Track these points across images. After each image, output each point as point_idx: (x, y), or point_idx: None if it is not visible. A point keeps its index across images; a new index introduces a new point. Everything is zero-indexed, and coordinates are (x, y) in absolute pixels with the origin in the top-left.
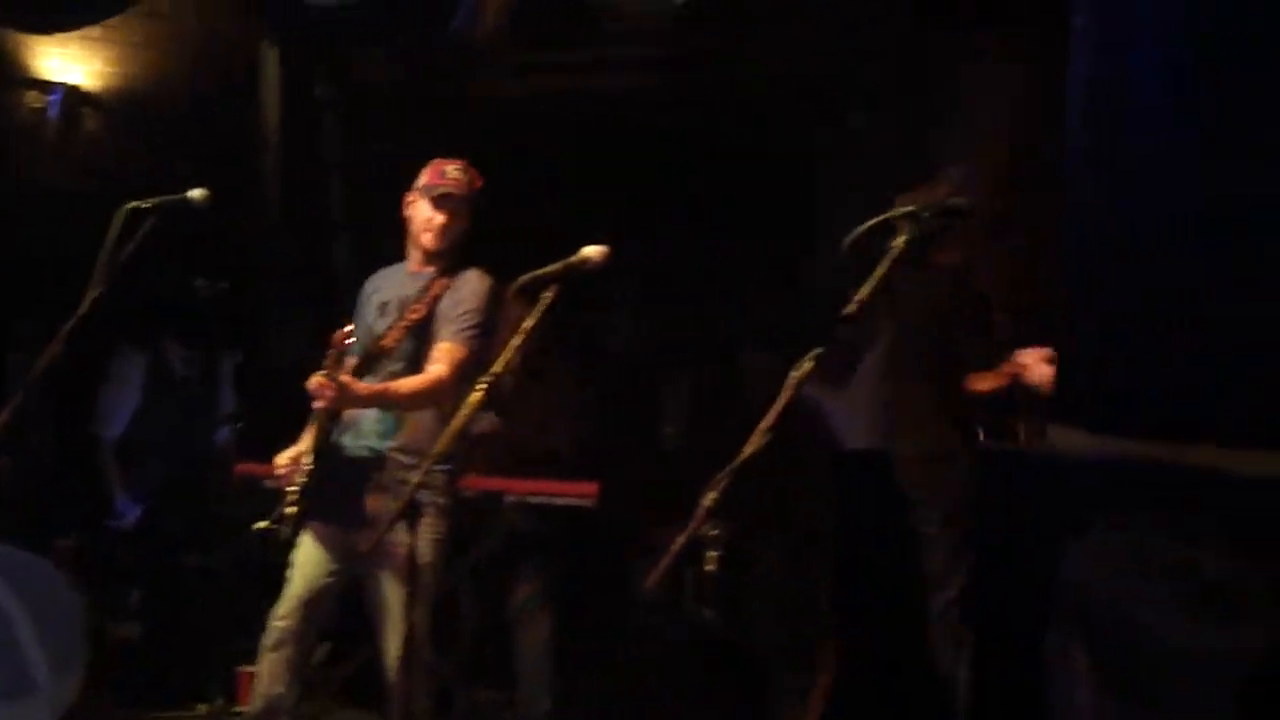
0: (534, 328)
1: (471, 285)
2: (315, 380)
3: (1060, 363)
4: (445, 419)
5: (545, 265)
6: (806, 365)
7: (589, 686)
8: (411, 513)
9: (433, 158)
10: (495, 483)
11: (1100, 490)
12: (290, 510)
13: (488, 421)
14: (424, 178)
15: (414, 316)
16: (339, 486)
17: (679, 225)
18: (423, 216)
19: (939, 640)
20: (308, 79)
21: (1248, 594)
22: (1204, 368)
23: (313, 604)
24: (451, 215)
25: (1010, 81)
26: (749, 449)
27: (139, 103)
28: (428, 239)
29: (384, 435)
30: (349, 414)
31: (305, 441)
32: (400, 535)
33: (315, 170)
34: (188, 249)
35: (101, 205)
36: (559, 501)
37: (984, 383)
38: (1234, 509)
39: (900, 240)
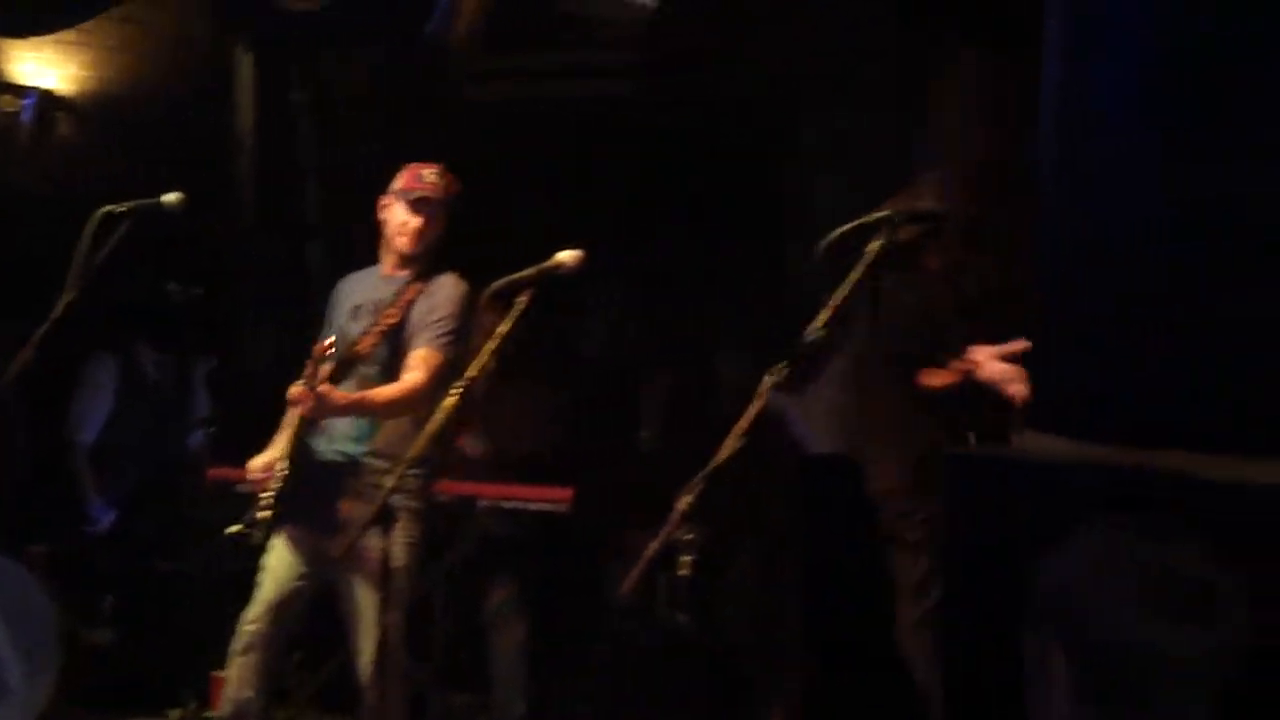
0: (508, 332)
1: (446, 290)
2: (294, 389)
3: (1033, 368)
4: (419, 423)
5: (520, 270)
6: (780, 371)
7: (564, 691)
8: (386, 517)
9: (407, 162)
10: (469, 487)
11: (1075, 495)
12: (262, 514)
13: (480, 445)
14: (400, 181)
15: (389, 321)
16: (312, 490)
17: (654, 229)
18: (398, 220)
19: (918, 648)
20: (282, 83)
21: (1224, 597)
22: (1176, 372)
23: (283, 608)
24: (427, 219)
25: (987, 88)
26: (723, 454)
27: (113, 107)
28: (403, 242)
29: (357, 439)
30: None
31: (277, 447)
32: (374, 539)
33: (290, 174)
34: (161, 253)
35: (75, 209)
36: (533, 506)
37: (934, 379)
38: (1209, 513)
39: (875, 245)
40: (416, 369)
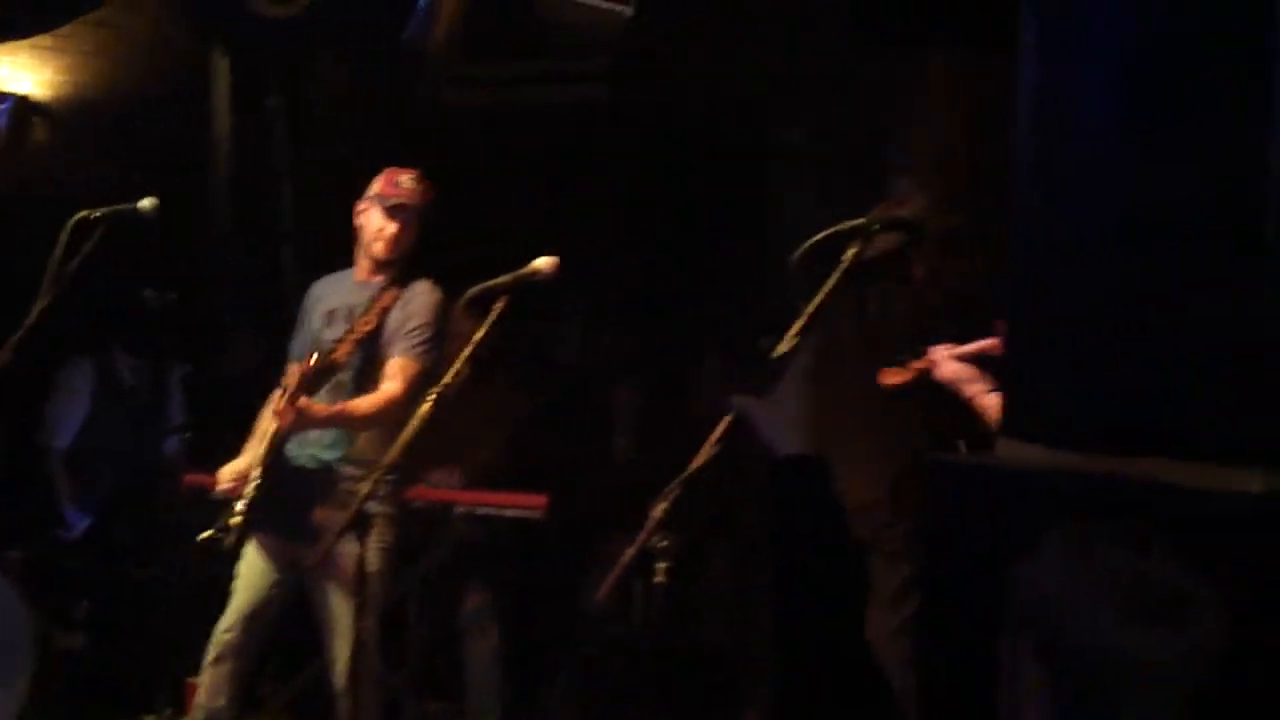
0: (484, 338)
1: (422, 298)
2: (275, 404)
3: (1007, 375)
4: (393, 429)
5: (496, 276)
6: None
7: (539, 697)
8: (361, 523)
9: (382, 168)
10: (444, 494)
11: (1048, 502)
12: (234, 520)
13: (451, 477)
14: (376, 186)
15: (365, 329)
16: (284, 497)
17: (630, 236)
18: (374, 226)
19: (895, 655)
20: (258, 89)
21: (1197, 602)
22: (1150, 377)
23: (257, 616)
24: (403, 225)
25: (961, 93)
26: (698, 461)
27: (89, 112)
28: (379, 248)
29: (331, 445)
30: None
31: (249, 454)
32: (348, 545)
33: (265, 179)
34: (137, 258)
35: (51, 214)
36: (509, 513)
37: (892, 377)
38: (1182, 519)
39: (850, 253)
40: (394, 379)
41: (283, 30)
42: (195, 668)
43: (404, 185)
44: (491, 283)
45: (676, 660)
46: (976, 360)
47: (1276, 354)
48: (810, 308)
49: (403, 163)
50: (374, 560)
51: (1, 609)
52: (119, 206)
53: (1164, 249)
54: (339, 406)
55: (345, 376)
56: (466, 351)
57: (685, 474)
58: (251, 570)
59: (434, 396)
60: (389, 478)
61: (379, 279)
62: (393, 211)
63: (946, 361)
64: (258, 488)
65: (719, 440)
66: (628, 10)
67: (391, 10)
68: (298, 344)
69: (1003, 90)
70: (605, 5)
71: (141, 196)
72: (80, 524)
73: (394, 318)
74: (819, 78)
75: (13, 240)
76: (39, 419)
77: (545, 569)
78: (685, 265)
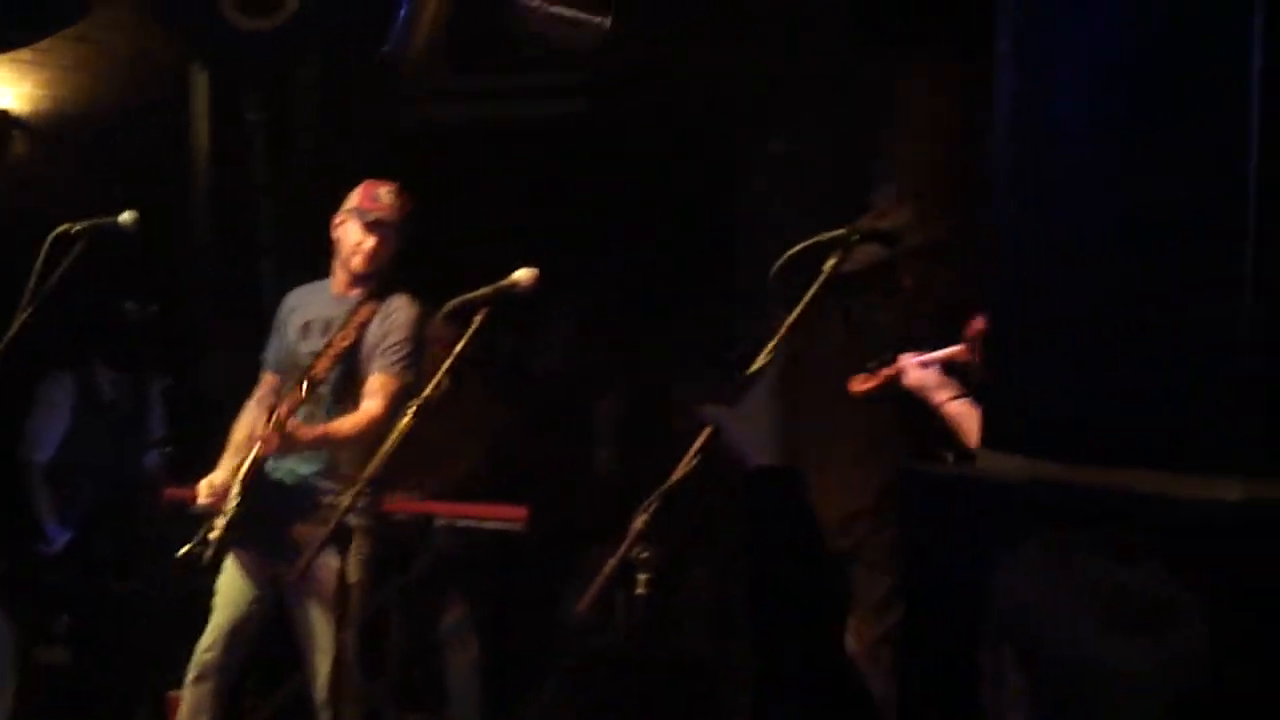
0: (463, 351)
1: (400, 313)
2: (260, 431)
3: (987, 385)
4: (371, 443)
5: (475, 288)
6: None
7: (519, 709)
8: (342, 536)
9: (361, 180)
10: (424, 505)
11: (1028, 512)
12: (212, 535)
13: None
14: (355, 199)
15: (343, 343)
16: (262, 512)
17: (609, 248)
18: (353, 240)
19: (877, 665)
20: (237, 102)
21: (1178, 611)
22: (1130, 388)
23: (237, 634)
24: (381, 240)
25: (943, 104)
26: (679, 473)
27: (69, 126)
28: (357, 262)
29: (307, 459)
30: None
31: (225, 468)
32: (328, 558)
33: (244, 193)
34: (117, 272)
35: (31, 228)
36: (489, 524)
37: (860, 385)
38: (1162, 528)
39: (829, 264)
40: (374, 397)
41: (262, 44)
42: (176, 682)
43: (382, 199)
44: (471, 295)
45: (658, 670)
46: (944, 367)
47: (1254, 362)
48: (789, 320)
49: (382, 175)
50: (352, 571)
51: None
52: (99, 220)
53: (1143, 259)
54: (322, 429)
55: (324, 389)
56: (446, 364)
57: (666, 485)
58: (230, 588)
59: (414, 409)
60: (367, 490)
61: (356, 293)
62: (371, 226)
63: (914, 369)
64: (238, 506)
65: (699, 451)
66: (606, 23)
67: (371, 24)
68: (271, 353)
69: (986, 99)
70: (584, 18)
71: (121, 210)
72: (61, 538)
73: (372, 333)
74: (800, 90)
75: None
76: (19, 433)
77: (526, 581)
78: (666, 277)
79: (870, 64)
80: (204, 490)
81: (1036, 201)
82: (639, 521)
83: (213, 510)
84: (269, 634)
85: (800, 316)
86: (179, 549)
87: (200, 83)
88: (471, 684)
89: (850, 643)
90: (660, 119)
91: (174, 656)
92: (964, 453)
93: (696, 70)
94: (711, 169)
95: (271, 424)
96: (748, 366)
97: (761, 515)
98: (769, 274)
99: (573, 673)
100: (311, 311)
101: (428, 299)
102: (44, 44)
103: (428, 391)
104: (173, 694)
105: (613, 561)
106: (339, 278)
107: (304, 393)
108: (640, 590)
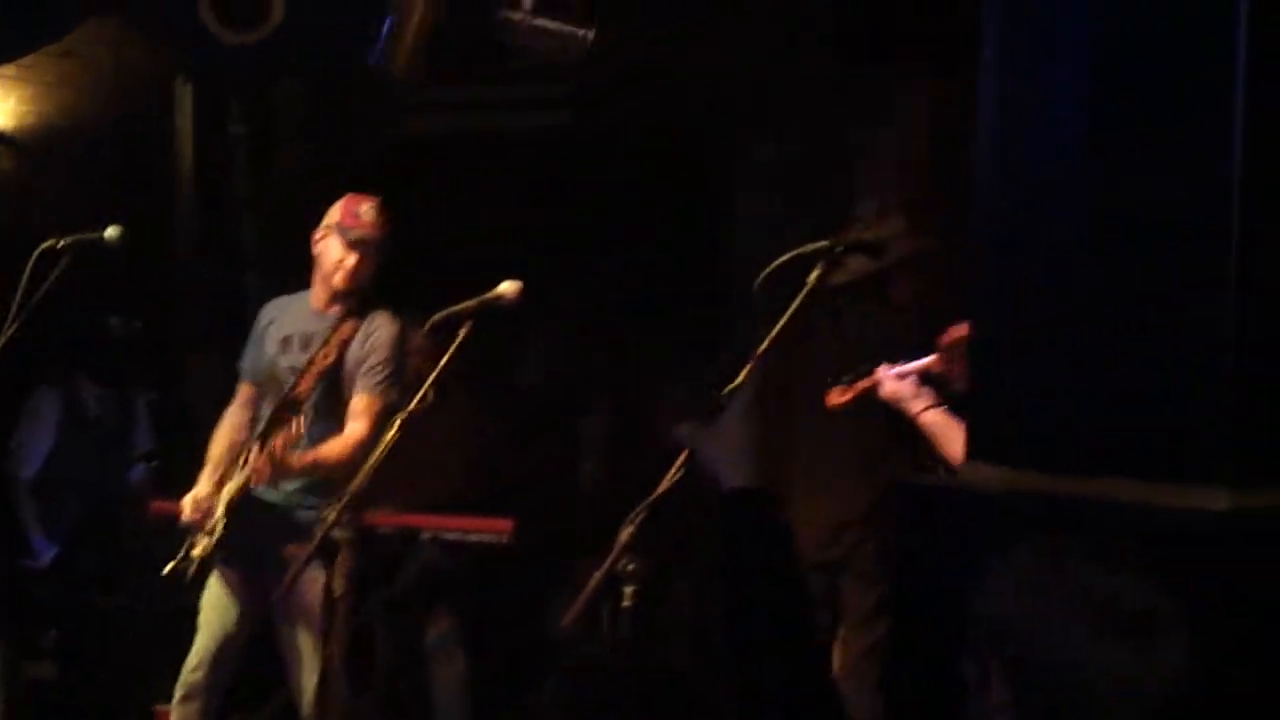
0: (448, 364)
1: (381, 331)
2: (253, 462)
3: (972, 395)
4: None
5: (460, 301)
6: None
7: None
8: (328, 550)
9: (345, 193)
10: (410, 518)
11: (1013, 523)
12: (195, 552)
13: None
14: (336, 215)
15: (325, 362)
16: (246, 529)
17: (594, 260)
18: (334, 257)
19: (863, 677)
20: (222, 116)
21: (1163, 620)
22: (1114, 398)
23: (223, 653)
24: (363, 258)
25: (931, 118)
26: (664, 485)
27: (53, 141)
28: (338, 280)
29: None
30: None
31: (206, 481)
32: (313, 573)
33: (229, 206)
34: (101, 287)
35: (15, 244)
36: (474, 537)
37: (837, 397)
38: (1147, 537)
39: (814, 276)
40: (359, 419)
41: (246, 57)
42: (163, 696)
43: (364, 216)
44: (456, 308)
45: (645, 683)
46: (921, 378)
47: (1241, 372)
48: (771, 335)
49: (366, 187)
50: (339, 586)
51: None
52: (84, 235)
53: (1126, 269)
54: (312, 456)
55: (307, 407)
56: (431, 377)
57: (652, 497)
58: (215, 607)
59: (399, 422)
60: (352, 504)
61: (336, 309)
62: (353, 244)
63: (890, 380)
64: (224, 528)
65: (684, 463)
66: (590, 35)
67: (355, 36)
68: (248, 362)
69: (972, 106)
70: (568, 30)
71: (106, 225)
72: (47, 553)
73: (354, 351)
74: (784, 100)
75: None
76: (4, 448)
77: (511, 593)
78: (652, 288)
79: (856, 74)
80: (188, 506)
81: (1018, 212)
82: (625, 534)
83: (196, 526)
84: (255, 649)
85: (784, 329)
86: (165, 563)
87: (184, 96)
88: (458, 697)
89: (836, 655)
90: (646, 131)
91: (160, 671)
92: (948, 464)
93: (681, 82)
94: (697, 181)
95: (265, 455)
96: (727, 384)
97: (735, 537)
98: (753, 286)
99: (560, 685)
100: (291, 325)
101: (412, 310)
102: (28, 60)
103: (413, 405)
104: (159, 708)
105: (599, 574)
106: (319, 293)
107: (297, 429)
108: (626, 603)
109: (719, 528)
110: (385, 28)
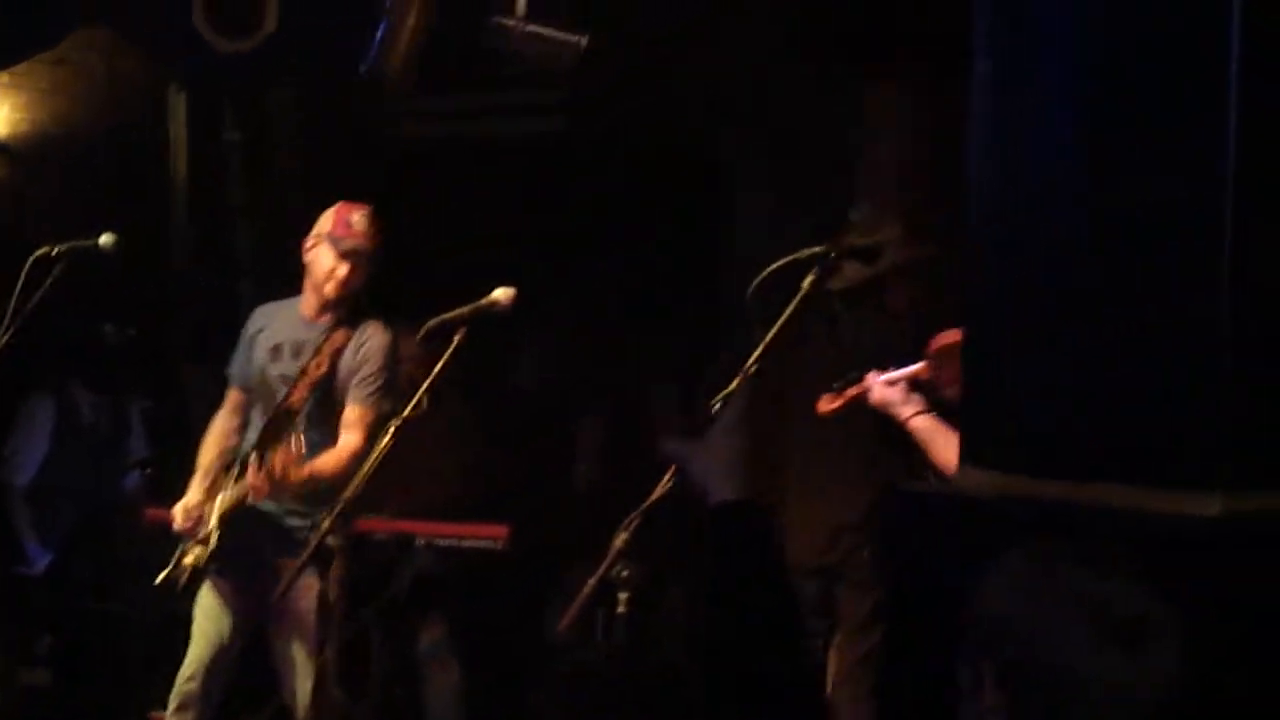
0: (442, 370)
1: (374, 340)
2: (251, 479)
3: (965, 399)
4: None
5: (454, 307)
6: (717, 409)
7: None
8: (323, 557)
9: (339, 201)
10: (404, 525)
11: (1005, 528)
12: (187, 560)
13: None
14: (328, 224)
15: (318, 372)
16: (239, 538)
17: (588, 265)
18: (326, 266)
19: (856, 684)
20: (216, 123)
21: (1156, 625)
22: (1107, 404)
23: (217, 662)
24: (354, 267)
25: (925, 123)
26: (658, 491)
27: (47, 148)
28: (330, 289)
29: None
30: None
31: (196, 489)
32: (307, 580)
33: (223, 214)
34: (96, 294)
35: (10, 251)
36: (468, 543)
37: (827, 404)
38: (1143, 544)
39: (808, 281)
40: (352, 430)
41: (239, 65)
42: (158, 702)
43: (356, 226)
44: (449, 315)
45: (639, 690)
46: (910, 384)
47: (1234, 376)
48: (765, 341)
49: (360, 194)
50: (333, 592)
51: None
52: (78, 242)
53: (1119, 276)
54: (308, 470)
55: (300, 417)
56: (425, 384)
57: (646, 503)
58: (209, 617)
59: (393, 429)
60: (346, 511)
61: (326, 318)
62: (345, 254)
63: (879, 386)
64: (218, 540)
65: (673, 476)
66: (583, 41)
67: (348, 44)
68: (237, 368)
69: (966, 111)
70: (561, 36)
71: (100, 232)
72: (42, 560)
73: (347, 362)
74: (778, 105)
75: None
76: None
77: (506, 600)
78: (646, 294)
79: (856, 75)
80: (179, 514)
81: (1013, 214)
82: (619, 540)
83: (188, 535)
84: (250, 656)
85: (779, 335)
86: (159, 570)
87: (178, 104)
88: (453, 703)
89: (832, 661)
90: (642, 134)
91: (155, 677)
92: (937, 470)
93: (681, 83)
94: (690, 182)
95: (264, 474)
96: (723, 388)
97: (725, 550)
98: (748, 291)
99: (554, 691)
100: (281, 333)
101: (406, 316)
102: (21, 67)
103: (407, 411)
104: (154, 714)
105: (593, 580)
106: (309, 301)
107: (298, 450)
108: (621, 609)
109: (708, 540)
110: (378, 35)
